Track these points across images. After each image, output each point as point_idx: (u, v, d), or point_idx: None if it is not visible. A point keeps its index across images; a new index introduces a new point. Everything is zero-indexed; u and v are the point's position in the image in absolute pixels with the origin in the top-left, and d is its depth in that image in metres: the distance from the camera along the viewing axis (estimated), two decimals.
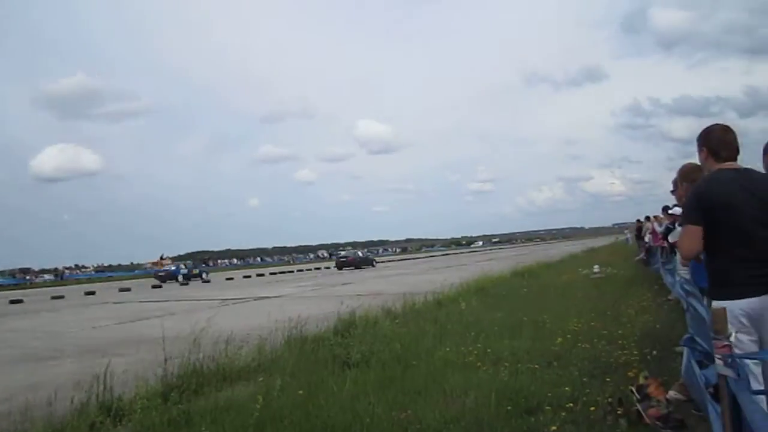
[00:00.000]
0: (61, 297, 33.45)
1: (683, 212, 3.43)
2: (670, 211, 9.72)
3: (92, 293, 35.22)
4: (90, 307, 24.16)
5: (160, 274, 47.84)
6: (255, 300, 20.81)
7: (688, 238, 3.24)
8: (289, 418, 4.91)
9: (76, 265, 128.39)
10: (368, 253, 64.32)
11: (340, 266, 52.78)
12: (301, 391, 5.65)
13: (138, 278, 73.03)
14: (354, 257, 56.75)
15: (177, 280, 44.77)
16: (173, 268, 50.12)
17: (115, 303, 25.11)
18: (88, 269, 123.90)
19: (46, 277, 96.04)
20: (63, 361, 9.59)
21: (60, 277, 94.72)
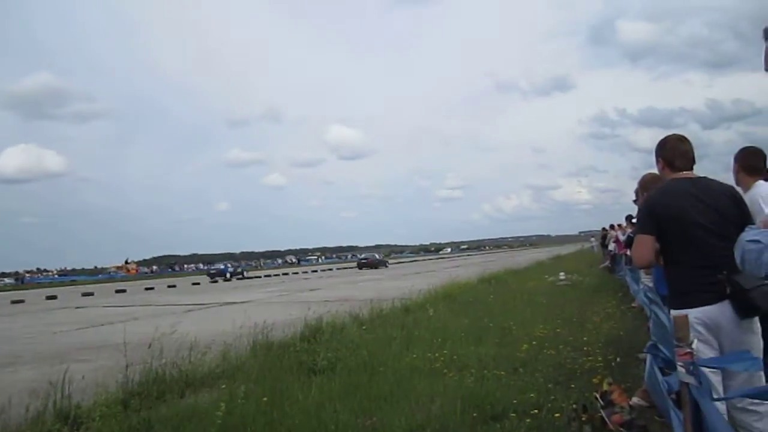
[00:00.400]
0: (21, 301, 32.70)
1: (637, 222, 3.47)
2: (633, 221, 9.87)
3: (54, 297, 34.42)
4: (51, 311, 23.61)
5: (211, 271, 58.15)
6: (221, 305, 20.55)
7: (640, 246, 3.28)
8: (252, 425, 4.83)
9: (38, 269, 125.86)
10: (379, 257, 76.62)
11: (360, 266, 63.32)
12: (265, 398, 5.56)
13: (102, 282, 71.69)
14: (372, 259, 67.60)
15: (225, 277, 52.91)
16: (222, 266, 62.29)
17: (77, 308, 24.60)
18: (50, 273, 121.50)
19: (7, 280, 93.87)
20: (20, 368, 9.32)
21: (21, 281, 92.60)
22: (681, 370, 2.12)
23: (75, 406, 5.63)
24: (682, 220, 3.11)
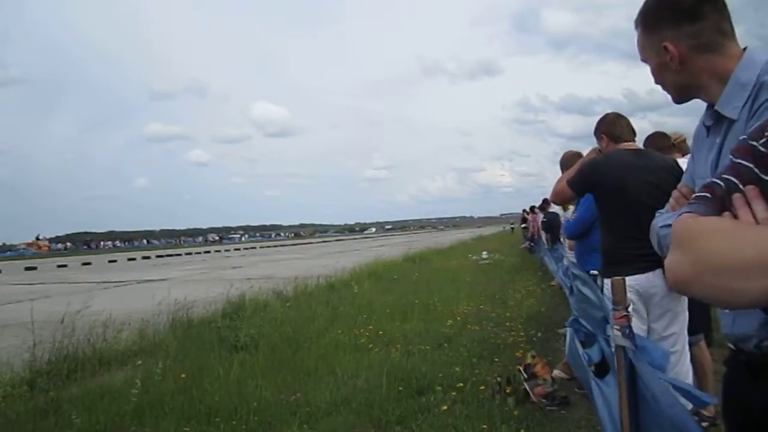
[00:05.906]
0: None
1: (576, 171, 3.48)
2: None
3: None
4: None
5: None
6: (138, 283, 19.85)
7: (561, 189, 3.50)
8: (170, 403, 4.64)
9: None
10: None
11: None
12: (184, 375, 5.36)
13: (10, 260, 68.05)
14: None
15: None
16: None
17: None
18: None
19: None
20: None
21: None
22: (617, 333, 2.11)
23: None
24: (621, 190, 3.17)
